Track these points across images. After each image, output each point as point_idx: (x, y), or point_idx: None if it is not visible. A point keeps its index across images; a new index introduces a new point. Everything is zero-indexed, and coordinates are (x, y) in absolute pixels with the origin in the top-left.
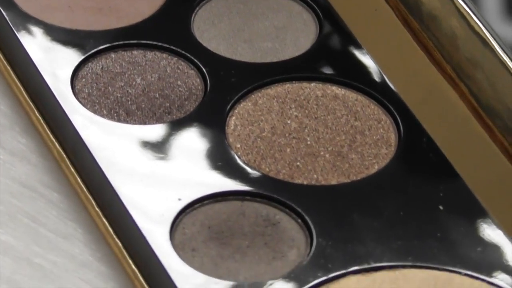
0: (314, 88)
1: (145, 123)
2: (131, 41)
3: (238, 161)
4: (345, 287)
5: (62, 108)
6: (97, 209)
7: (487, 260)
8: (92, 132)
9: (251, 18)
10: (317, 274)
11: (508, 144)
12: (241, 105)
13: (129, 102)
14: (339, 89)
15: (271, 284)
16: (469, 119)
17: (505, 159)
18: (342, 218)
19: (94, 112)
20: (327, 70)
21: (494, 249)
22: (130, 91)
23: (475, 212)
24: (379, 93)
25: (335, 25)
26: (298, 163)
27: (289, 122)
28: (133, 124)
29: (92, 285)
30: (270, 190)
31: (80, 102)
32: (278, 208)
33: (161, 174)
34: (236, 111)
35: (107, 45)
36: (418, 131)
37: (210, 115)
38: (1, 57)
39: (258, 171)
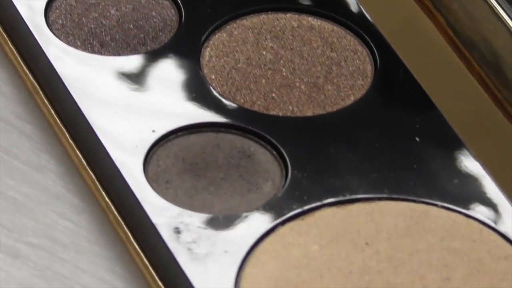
0: (289, 19)
1: (119, 54)
2: None
3: (213, 92)
4: (320, 219)
5: (35, 39)
6: (70, 141)
7: (464, 192)
8: (65, 63)
9: None
10: (292, 206)
11: (484, 74)
12: (216, 36)
13: (103, 33)
14: (315, 20)
15: (245, 217)
16: (446, 49)
17: (481, 90)
18: (317, 150)
19: (68, 43)
20: (303, 1)
21: (471, 181)
22: (104, 22)
23: (452, 143)
24: (355, 23)
25: None
26: (274, 95)
27: (264, 53)
28: (107, 55)
29: (65, 217)
30: (245, 122)
31: (54, 33)
32: (253, 140)
33: (135, 106)
34: (211, 42)
35: None
36: (394, 62)
37: (185, 46)
38: None
39: (233, 102)
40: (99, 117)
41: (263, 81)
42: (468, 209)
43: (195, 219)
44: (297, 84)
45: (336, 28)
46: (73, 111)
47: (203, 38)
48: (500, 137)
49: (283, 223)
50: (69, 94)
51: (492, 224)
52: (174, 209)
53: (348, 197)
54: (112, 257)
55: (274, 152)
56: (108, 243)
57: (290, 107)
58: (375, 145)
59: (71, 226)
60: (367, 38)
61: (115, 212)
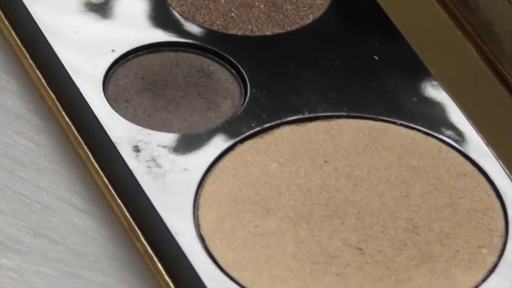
0: None
1: None
2: None
3: (173, 12)
4: (279, 137)
5: None
6: (30, 61)
7: (422, 110)
8: None
9: None
10: (251, 125)
11: None
12: None
13: None
14: None
15: (204, 135)
16: None
17: (440, 9)
18: (276, 69)
19: None
20: None
21: (430, 100)
22: None
23: (411, 62)
24: None
25: None
26: (233, 14)
27: None
28: None
29: (25, 137)
30: (204, 41)
31: None
32: (212, 59)
33: (95, 26)
34: None
35: None
36: None
37: None
38: None
39: (192, 22)
40: (58, 37)
41: (222, 0)
42: (426, 127)
43: (154, 138)
44: (256, 3)
45: None
46: (33, 32)
47: None
48: (459, 56)
49: (242, 141)
50: (29, 15)
51: (451, 142)
52: (134, 128)
53: (307, 115)
54: (72, 176)
55: (233, 71)
56: (68, 162)
57: (249, 27)
58: (334, 64)
59: (31, 146)
60: None
61: (75, 132)
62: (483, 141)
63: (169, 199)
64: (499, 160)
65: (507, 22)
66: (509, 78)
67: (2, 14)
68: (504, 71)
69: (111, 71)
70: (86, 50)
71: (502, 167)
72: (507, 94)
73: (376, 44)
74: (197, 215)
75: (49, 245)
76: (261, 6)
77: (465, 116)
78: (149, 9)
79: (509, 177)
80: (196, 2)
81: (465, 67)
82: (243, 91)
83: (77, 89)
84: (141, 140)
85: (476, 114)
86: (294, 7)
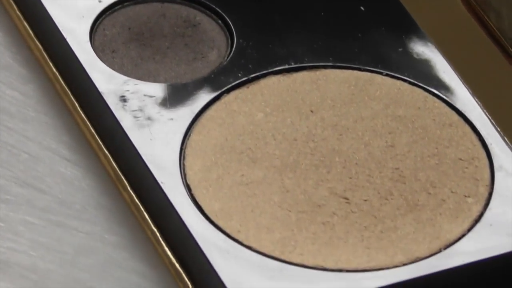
0: None
1: None
2: None
3: None
4: (265, 87)
5: None
6: (18, 12)
7: (408, 61)
8: None
9: None
10: (238, 75)
11: None
12: None
13: None
14: None
15: (191, 85)
16: None
17: None
18: (263, 20)
19: None
20: None
21: (416, 50)
22: None
23: (397, 13)
24: None
25: None
26: None
27: None
28: None
29: (12, 87)
30: None
31: None
32: (198, 9)
33: None
34: None
35: None
36: None
37: None
38: None
39: None
40: None
41: None
42: (412, 77)
43: (141, 88)
44: None
45: None
46: None
47: None
48: (445, 6)
49: (228, 91)
50: None
51: (437, 92)
52: (120, 78)
53: (293, 65)
54: (59, 126)
55: (220, 22)
56: (55, 113)
57: None
58: (320, 14)
59: (18, 96)
60: None
61: (62, 82)
62: (469, 91)
63: (156, 149)
64: (484, 110)
65: None
66: (494, 28)
67: None
68: (489, 21)
69: (98, 21)
70: (73, 0)
71: (488, 118)
72: (493, 45)
73: None
74: (184, 165)
75: (36, 194)
76: None
77: (451, 67)
78: None
79: (495, 127)
80: None
81: (451, 18)
82: (229, 41)
83: (64, 39)
84: (127, 90)
85: (462, 64)
86: None
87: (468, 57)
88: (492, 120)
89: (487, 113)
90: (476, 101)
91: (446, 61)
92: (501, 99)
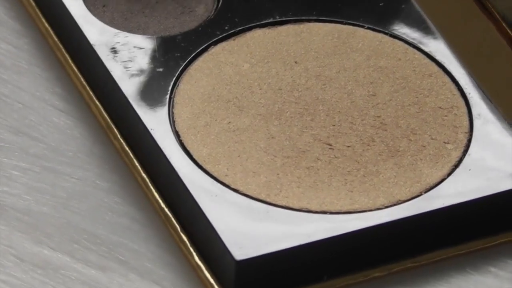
0: None
1: None
2: None
3: None
4: (251, 40)
5: None
6: None
7: (390, 14)
8: None
9: None
10: (224, 28)
11: None
12: None
13: None
14: None
15: (179, 37)
16: None
17: None
18: None
19: None
20: None
21: (397, 4)
22: None
23: None
24: None
25: None
26: None
27: None
28: None
29: (6, 41)
30: None
31: None
32: None
33: None
34: None
35: None
36: None
37: None
38: None
39: None
40: None
41: None
42: (393, 30)
43: (131, 40)
44: None
45: None
46: None
47: None
48: None
49: (215, 43)
50: None
51: (417, 44)
52: (111, 31)
53: (278, 19)
54: (51, 78)
55: None
56: (48, 65)
57: None
58: None
59: (12, 50)
60: None
61: (54, 36)
62: (447, 43)
63: (145, 97)
64: (463, 61)
65: None
66: None
67: None
68: None
69: None
70: None
71: (466, 68)
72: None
73: None
74: (172, 112)
75: (29, 142)
76: None
77: (429, 21)
78: None
79: (473, 78)
80: None
81: None
82: None
83: None
84: (118, 42)
85: (440, 18)
86: None
87: (446, 11)
88: (470, 71)
89: (465, 64)
90: (455, 53)
91: (425, 15)
92: (478, 51)
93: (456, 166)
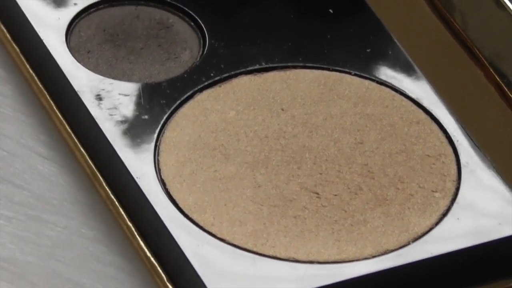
0: None
1: None
2: None
3: None
4: (237, 86)
5: None
6: None
7: (376, 61)
8: None
9: None
10: (210, 74)
11: None
12: None
13: None
14: None
15: (165, 84)
16: None
17: None
18: (234, 21)
19: None
20: None
21: (383, 50)
22: None
23: (364, 15)
24: None
25: None
26: None
27: None
28: None
29: None
30: None
31: None
32: (171, 11)
33: None
34: None
35: None
36: None
37: None
38: None
39: None
40: None
41: None
42: (380, 77)
43: (116, 87)
44: None
45: None
46: None
47: None
48: (411, 8)
49: (201, 90)
50: None
51: (404, 91)
52: (96, 77)
53: (264, 65)
54: (36, 125)
55: (192, 23)
56: (32, 112)
57: None
58: (290, 16)
59: None
60: None
61: (39, 83)
62: (435, 91)
63: (131, 145)
64: (451, 108)
65: None
66: (459, 29)
67: None
68: (454, 22)
69: (74, 23)
70: (49, 3)
71: (454, 115)
72: (456, 44)
73: None
74: (158, 160)
75: (14, 190)
76: None
77: (417, 67)
78: None
79: (461, 125)
80: None
81: (416, 19)
82: (201, 42)
83: (41, 40)
84: (103, 89)
85: (427, 64)
86: None
87: (434, 57)
88: (457, 118)
89: (452, 111)
90: (442, 100)
91: (412, 61)
92: (466, 97)
93: (444, 214)
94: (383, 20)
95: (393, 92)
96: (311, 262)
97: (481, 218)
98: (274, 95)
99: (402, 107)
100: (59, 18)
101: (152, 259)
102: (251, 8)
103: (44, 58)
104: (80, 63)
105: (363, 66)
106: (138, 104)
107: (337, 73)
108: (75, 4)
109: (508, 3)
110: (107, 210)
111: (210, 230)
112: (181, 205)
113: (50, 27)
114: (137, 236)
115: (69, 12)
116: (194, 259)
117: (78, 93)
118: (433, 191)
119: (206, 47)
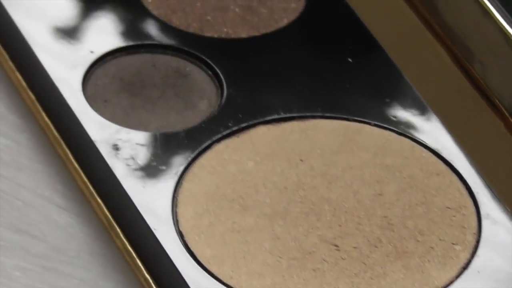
0: None
1: None
2: None
3: (150, 14)
4: (255, 137)
5: None
6: (10, 63)
7: (395, 111)
8: None
9: None
10: (228, 124)
11: None
12: None
13: None
14: None
15: (182, 134)
16: None
17: (411, 11)
18: (252, 70)
19: None
20: None
21: (402, 100)
22: None
23: (384, 64)
24: None
25: None
26: (208, 17)
27: None
28: None
29: (6, 136)
30: (181, 43)
31: None
32: (188, 60)
33: (73, 27)
34: None
35: None
36: None
37: None
38: None
39: (169, 24)
40: (38, 36)
41: (198, 3)
42: (400, 127)
43: (132, 136)
44: (232, 7)
45: None
46: (13, 34)
47: None
48: (430, 57)
49: (219, 140)
50: (9, 17)
51: (424, 142)
52: (112, 127)
53: (282, 115)
54: (52, 174)
55: (210, 72)
56: (49, 161)
57: (225, 29)
58: (309, 65)
59: (12, 145)
60: None
61: (54, 131)
62: (456, 141)
63: (148, 196)
64: (471, 159)
65: (475, 23)
66: (479, 78)
67: None
68: (474, 71)
69: (90, 71)
70: (65, 51)
71: (474, 166)
72: (476, 93)
73: (349, 47)
74: (176, 212)
75: (30, 241)
76: (236, 9)
77: (437, 117)
78: (127, 11)
79: (481, 176)
80: (173, 5)
81: (436, 69)
82: (219, 91)
83: (57, 89)
84: (120, 139)
85: (447, 114)
86: (269, 10)
87: (453, 107)
88: (478, 169)
89: (473, 162)
90: (462, 150)
91: (433, 111)
92: (486, 147)
93: (465, 268)
94: (402, 69)
95: (413, 143)
96: None
97: (501, 271)
98: (292, 146)
99: (422, 158)
100: (75, 66)
101: None
102: (269, 55)
103: (60, 106)
104: (96, 112)
105: (382, 116)
106: (155, 154)
107: (357, 123)
108: (91, 52)
109: None
110: (124, 262)
111: (229, 283)
112: (199, 258)
113: (66, 75)
114: None
115: (85, 60)
116: None
117: (95, 142)
118: (453, 244)
119: (224, 96)
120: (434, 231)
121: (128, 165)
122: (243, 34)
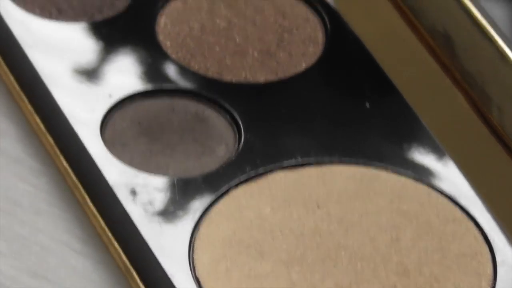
0: None
1: (77, 21)
2: None
3: (168, 58)
4: (272, 182)
5: None
6: (29, 106)
7: (412, 156)
8: (24, 29)
9: None
10: (245, 169)
11: (433, 42)
12: (171, 4)
13: (61, 1)
14: None
15: (200, 179)
16: (394, 16)
17: (429, 56)
18: (270, 115)
19: (27, 10)
20: None
21: (419, 146)
22: None
23: (401, 109)
24: None
25: None
26: (227, 61)
27: (218, 21)
28: (65, 21)
29: (25, 180)
30: (199, 87)
31: (12, 0)
32: (207, 105)
33: (91, 71)
34: (166, 9)
35: None
36: (344, 30)
37: (141, 14)
38: None
39: (187, 68)
40: (56, 81)
41: (217, 48)
42: (416, 173)
43: (150, 181)
44: (250, 51)
45: None
46: (32, 77)
47: (158, 6)
48: (448, 103)
49: (236, 185)
50: (27, 59)
51: (440, 188)
52: (130, 171)
53: (300, 160)
54: (70, 219)
55: (228, 117)
56: (67, 205)
57: (243, 74)
58: (327, 110)
59: (30, 189)
60: (318, 7)
61: (73, 175)
62: (472, 187)
63: (165, 242)
64: (487, 205)
65: (493, 68)
66: (497, 125)
67: (1, 60)
68: (492, 118)
69: (108, 115)
70: (84, 95)
71: (490, 213)
72: (493, 139)
73: (367, 92)
74: (193, 258)
75: (47, 285)
76: (255, 54)
77: (454, 163)
78: (146, 55)
79: (497, 223)
80: (192, 50)
81: (453, 114)
82: (237, 136)
83: (75, 133)
84: (137, 184)
85: (464, 160)
86: (287, 54)
87: (471, 153)
88: (494, 216)
89: (489, 209)
90: (479, 197)
91: (450, 157)
92: (504, 194)
93: None
94: (420, 114)
95: (429, 189)
96: None
97: None
98: (310, 191)
99: (439, 204)
100: (93, 110)
101: None
102: (287, 100)
103: (78, 150)
104: (114, 156)
105: (399, 161)
106: (173, 200)
107: (374, 170)
108: (110, 96)
109: None
110: None
111: None
112: None
113: (85, 119)
114: None
115: (103, 104)
116: None
117: (113, 187)
118: None
119: (242, 142)
120: (450, 278)
121: (145, 210)
122: (262, 79)
